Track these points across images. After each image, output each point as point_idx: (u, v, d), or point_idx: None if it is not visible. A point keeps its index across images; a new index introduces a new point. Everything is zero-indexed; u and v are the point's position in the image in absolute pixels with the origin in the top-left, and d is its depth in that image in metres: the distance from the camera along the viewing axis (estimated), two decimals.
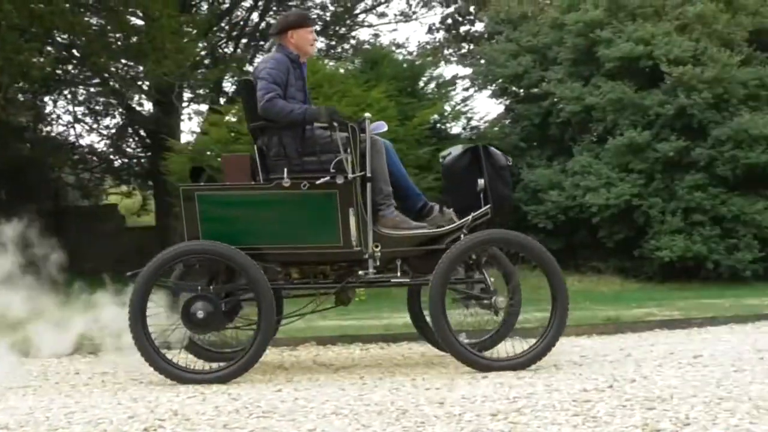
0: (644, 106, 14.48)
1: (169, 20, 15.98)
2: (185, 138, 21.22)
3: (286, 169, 6.54)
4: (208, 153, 14.38)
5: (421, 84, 16.00)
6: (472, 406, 5.24)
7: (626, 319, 9.22)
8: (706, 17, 15.04)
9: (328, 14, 23.67)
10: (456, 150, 6.98)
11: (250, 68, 22.48)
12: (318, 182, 6.51)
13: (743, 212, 13.78)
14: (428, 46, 23.99)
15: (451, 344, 6.52)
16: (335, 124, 6.56)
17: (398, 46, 23.63)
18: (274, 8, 23.12)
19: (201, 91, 22.15)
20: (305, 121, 6.59)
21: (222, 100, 21.24)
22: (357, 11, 24.48)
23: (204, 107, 22.18)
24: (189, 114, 23.27)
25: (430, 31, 25.09)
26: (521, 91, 16.78)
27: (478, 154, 6.84)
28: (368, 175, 6.59)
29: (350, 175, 6.52)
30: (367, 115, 6.78)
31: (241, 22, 23.23)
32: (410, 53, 22.42)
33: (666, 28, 14.99)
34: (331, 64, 18.08)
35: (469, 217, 6.69)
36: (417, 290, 7.49)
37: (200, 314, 6.42)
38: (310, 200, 6.55)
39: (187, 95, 22.01)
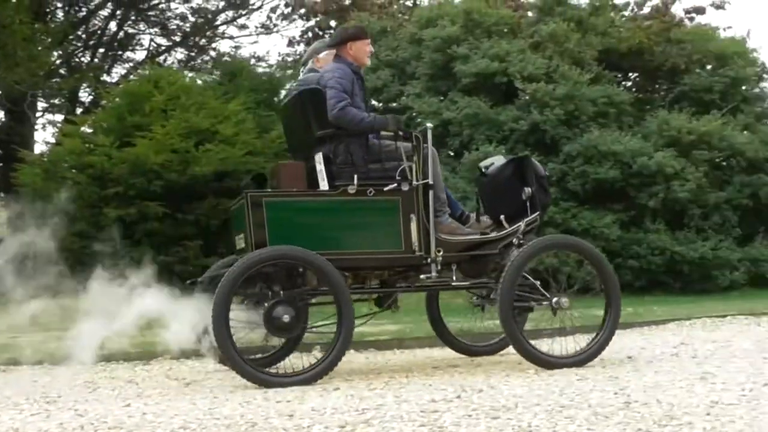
0: (499, 122, 14.77)
1: (21, 27, 15.62)
2: (39, 148, 20.71)
3: (355, 176, 6.68)
4: (64, 164, 14.04)
5: (281, 96, 15.97)
6: (321, 418, 5.27)
7: (478, 331, 9.38)
8: (558, 36, 15.50)
9: (188, 25, 23.48)
10: (498, 161, 7.39)
11: (107, 78, 22.15)
12: (386, 189, 6.70)
13: (592, 225, 14.14)
14: (289, 59, 24.03)
15: (520, 344, 6.90)
16: (401, 133, 6.82)
17: (259, 59, 23.64)
18: (133, 18, 22.81)
19: (56, 101, 21.67)
20: (374, 130, 6.84)
21: (78, 110, 20.81)
22: (217, 23, 24.37)
23: (59, 117, 21.70)
24: (43, 124, 22.74)
25: (290, 44, 25.12)
26: (380, 104, 16.94)
27: (520, 164, 7.26)
28: (430, 182, 6.81)
29: (414, 183, 6.74)
30: (429, 125, 7.01)
31: (99, 31, 22.82)
32: (270, 66, 22.41)
33: (520, 46, 15.37)
34: (189, 75, 17.92)
35: (522, 223, 7.06)
36: (436, 295, 7.98)
37: (286, 318, 6.45)
38: (375, 207, 6.74)
39: (41, 104, 21.51)
